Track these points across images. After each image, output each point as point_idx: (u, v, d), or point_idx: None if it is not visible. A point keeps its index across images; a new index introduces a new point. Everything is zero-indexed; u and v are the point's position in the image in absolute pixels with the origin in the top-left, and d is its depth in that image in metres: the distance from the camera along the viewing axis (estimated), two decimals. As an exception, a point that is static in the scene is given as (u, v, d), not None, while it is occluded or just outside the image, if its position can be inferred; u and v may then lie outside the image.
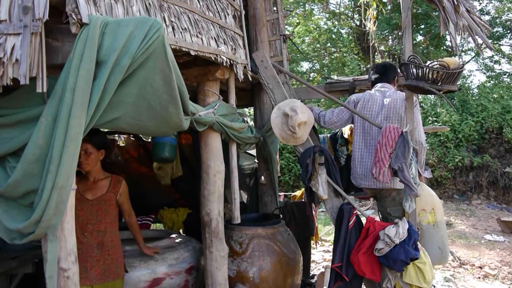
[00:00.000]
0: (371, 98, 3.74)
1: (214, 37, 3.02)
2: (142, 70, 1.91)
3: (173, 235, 4.17)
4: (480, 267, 6.43)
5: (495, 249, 7.29)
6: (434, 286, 5.12)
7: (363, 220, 3.54)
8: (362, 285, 3.57)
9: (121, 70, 1.80)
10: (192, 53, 2.65)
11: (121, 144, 5.97)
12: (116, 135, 5.95)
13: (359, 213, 3.55)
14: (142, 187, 6.15)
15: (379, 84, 3.82)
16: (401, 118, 3.62)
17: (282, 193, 6.25)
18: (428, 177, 3.66)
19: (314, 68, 17.41)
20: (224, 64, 3.13)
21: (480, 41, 3.73)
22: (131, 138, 5.93)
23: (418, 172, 3.52)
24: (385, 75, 3.84)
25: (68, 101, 1.68)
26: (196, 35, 2.74)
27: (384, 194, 3.69)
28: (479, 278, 6.07)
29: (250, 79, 3.74)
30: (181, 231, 5.76)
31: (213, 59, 2.97)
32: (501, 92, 12.47)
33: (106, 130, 4.11)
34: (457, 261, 6.58)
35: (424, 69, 3.17)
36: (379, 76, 3.86)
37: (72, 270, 1.85)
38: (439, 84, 3.19)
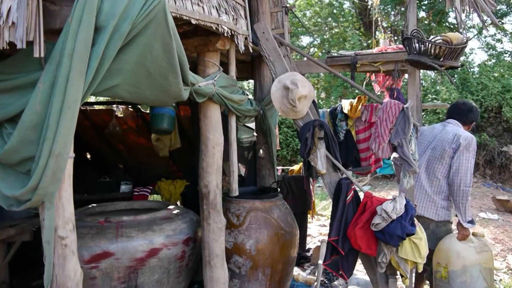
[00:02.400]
0: (431, 129, 3.81)
1: (216, 6, 2.96)
2: (142, 37, 1.87)
3: (171, 207, 4.18)
4: (474, 244, 6.49)
5: (489, 226, 7.36)
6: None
7: (361, 195, 3.54)
8: (358, 259, 3.61)
9: (120, 36, 1.76)
10: (193, 22, 2.60)
11: (119, 115, 5.93)
12: (114, 105, 5.91)
13: (357, 188, 3.56)
14: (140, 158, 6.16)
15: (449, 119, 3.78)
16: (444, 152, 3.58)
17: (280, 167, 6.26)
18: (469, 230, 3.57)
19: (315, 43, 17.22)
20: (225, 34, 3.07)
21: (485, 17, 3.68)
22: (129, 108, 5.89)
23: (460, 222, 3.48)
24: (463, 115, 3.74)
25: (65, 66, 1.64)
26: (197, 3, 2.67)
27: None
28: (473, 254, 6.14)
29: (251, 50, 3.69)
30: (178, 203, 5.78)
31: (214, 29, 2.91)
32: (502, 71, 12.40)
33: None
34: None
35: (427, 44, 3.13)
36: (455, 112, 3.79)
37: (70, 238, 1.85)
38: (441, 59, 3.15)
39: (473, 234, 3.52)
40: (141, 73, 1.96)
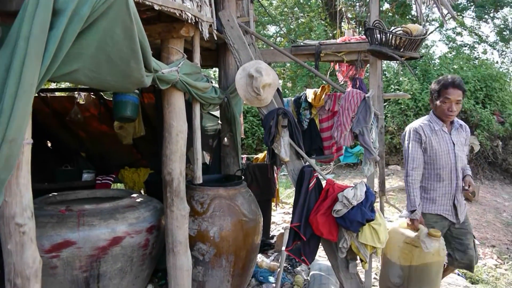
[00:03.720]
0: None
1: (179, -8, 2.93)
2: (102, 21, 1.83)
3: (134, 195, 4.14)
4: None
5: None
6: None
7: (323, 183, 3.61)
8: (320, 245, 3.68)
9: (80, 20, 1.72)
10: (156, 7, 2.56)
11: (81, 102, 5.81)
12: (76, 92, 5.78)
13: (319, 175, 3.62)
14: (103, 146, 6.07)
15: None
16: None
17: (244, 156, 6.29)
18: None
19: (281, 32, 17.27)
20: (189, 21, 3.05)
21: (445, 11, 3.79)
22: (92, 95, 5.78)
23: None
24: None
25: (21, 50, 1.60)
26: (160, -12, 2.64)
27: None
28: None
29: (216, 38, 3.67)
30: (142, 191, 5.73)
31: (177, 15, 2.88)
32: (461, 63, 12.80)
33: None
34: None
35: (388, 34, 3.20)
36: None
37: (28, 226, 1.81)
38: (401, 50, 3.23)
39: (429, 234, 3.42)
40: (101, 58, 1.92)
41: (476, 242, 3.67)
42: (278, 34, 17.67)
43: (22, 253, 1.79)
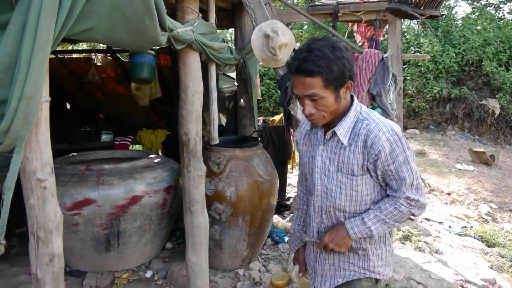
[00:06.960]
0: None
1: (194, -51, 2.87)
2: (116, -23, 1.82)
3: (152, 155, 4.21)
4: (448, 194, 6.74)
5: (464, 177, 7.60)
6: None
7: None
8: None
9: (93, -24, 1.71)
10: (170, -36, 2.53)
11: (98, 64, 5.83)
12: (93, 53, 5.80)
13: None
14: (120, 107, 6.14)
15: None
16: None
17: (261, 118, 6.29)
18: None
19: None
20: (204, -21, 3.00)
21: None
22: (108, 57, 5.79)
23: None
24: None
25: (36, 7, 1.59)
26: None
27: None
28: (446, 203, 6.38)
29: (231, -3, 3.62)
30: (159, 152, 5.82)
31: (192, -27, 2.84)
32: (484, 24, 12.39)
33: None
34: (427, 187, 6.87)
35: (409, -8, 3.12)
36: None
37: (49, 181, 1.86)
38: (421, 8, 3.15)
39: (271, 283, 2.39)
40: (116, 16, 1.91)
41: None
42: (296, -5, 17.27)
43: (44, 207, 1.85)
